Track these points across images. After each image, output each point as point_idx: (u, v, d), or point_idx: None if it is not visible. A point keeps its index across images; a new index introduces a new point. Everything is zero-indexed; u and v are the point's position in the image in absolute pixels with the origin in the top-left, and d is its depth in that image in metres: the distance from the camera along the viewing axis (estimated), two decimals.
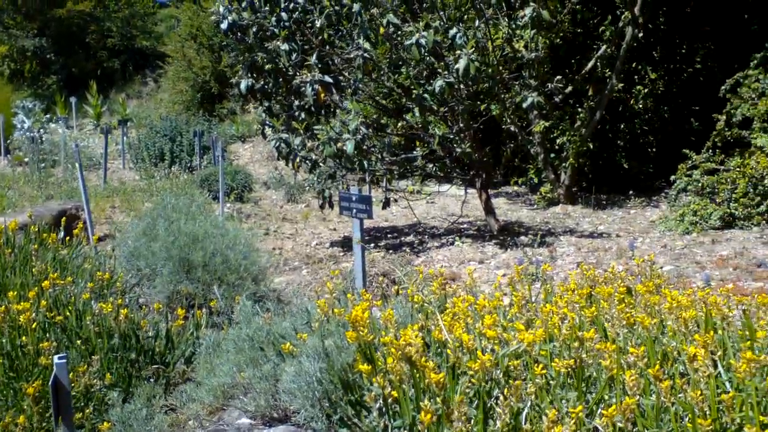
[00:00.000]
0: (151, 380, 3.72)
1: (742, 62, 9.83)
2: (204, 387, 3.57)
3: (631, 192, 11.19)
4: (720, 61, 11.48)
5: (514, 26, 7.61)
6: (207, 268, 5.12)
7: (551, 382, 2.46)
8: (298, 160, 7.03)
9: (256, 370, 3.38)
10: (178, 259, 5.12)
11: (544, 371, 2.42)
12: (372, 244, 7.93)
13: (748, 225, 8.01)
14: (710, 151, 8.82)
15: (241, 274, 5.21)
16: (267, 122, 7.34)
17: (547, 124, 10.55)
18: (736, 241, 7.40)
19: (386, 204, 8.60)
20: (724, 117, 8.93)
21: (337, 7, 6.69)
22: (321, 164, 7.33)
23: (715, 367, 2.35)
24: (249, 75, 7.27)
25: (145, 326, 3.94)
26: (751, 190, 8.17)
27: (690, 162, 8.81)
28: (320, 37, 7.07)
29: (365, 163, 6.74)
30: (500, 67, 8.97)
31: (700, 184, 8.43)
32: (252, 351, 3.50)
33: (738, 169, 8.28)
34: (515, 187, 12.76)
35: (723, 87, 9.33)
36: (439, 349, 2.79)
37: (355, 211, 4.88)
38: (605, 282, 3.51)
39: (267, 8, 6.96)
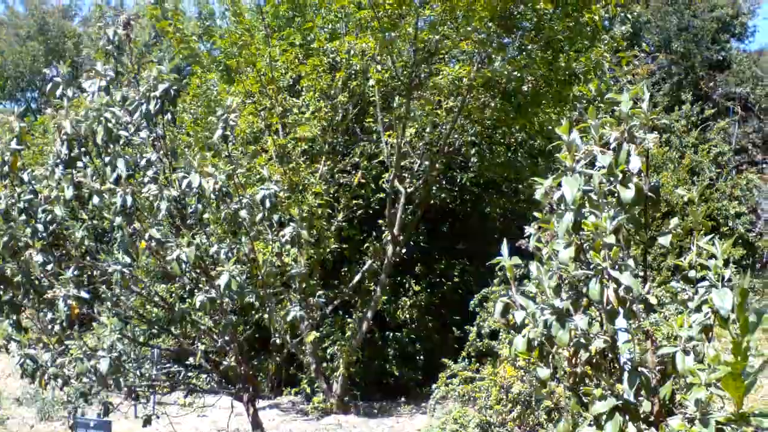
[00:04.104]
0: None
1: (492, 277, 10.87)
2: None
3: (402, 399, 11.51)
4: (475, 276, 12.62)
5: (279, 243, 7.94)
6: None
7: None
8: (46, 376, 6.58)
9: None
10: None
11: None
12: None
13: (502, 431, 8.46)
14: (466, 360, 9.43)
15: None
16: (13, 337, 6.90)
17: (318, 334, 10.79)
18: None
19: (147, 422, 8.12)
20: (475, 329, 9.69)
21: (96, 221, 6.68)
22: (73, 381, 6.90)
23: None
24: None
25: None
26: (504, 397, 8.73)
27: (449, 371, 9.33)
28: (81, 249, 6.94)
29: (122, 380, 6.47)
30: (271, 280, 9.24)
31: (456, 393, 8.88)
32: None
33: (490, 377, 8.87)
34: (292, 397, 12.65)
35: (472, 302, 10.19)
36: None
37: None
38: None
39: (23, 218, 6.78)
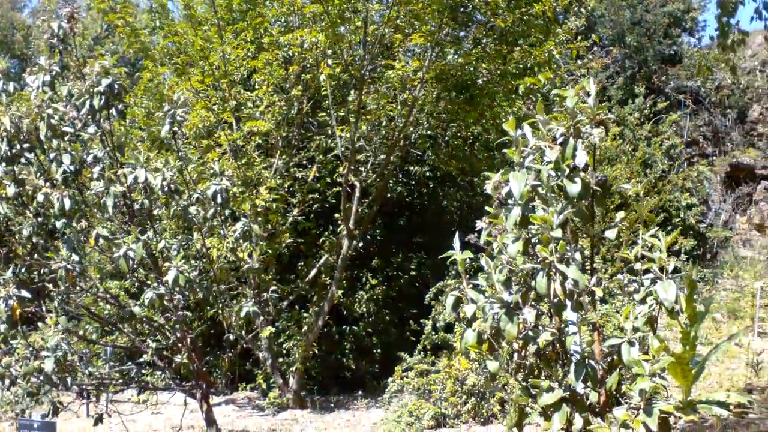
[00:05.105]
0: None
1: (449, 271, 10.93)
2: None
3: (359, 393, 11.52)
4: (432, 269, 12.67)
5: (234, 239, 7.87)
6: None
7: None
8: None
9: None
10: None
11: None
12: None
13: (457, 423, 8.53)
14: (422, 353, 9.47)
15: None
16: None
17: (273, 329, 10.72)
18: None
19: (98, 421, 7.99)
20: (431, 322, 9.74)
21: (41, 218, 6.54)
22: (21, 381, 6.76)
23: None
24: None
25: None
26: (459, 389, 8.80)
27: (405, 364, 9.37)
28: (27, 247, 6.79)
29: (69, 379, 6.35)
30: (225, 275, 9.15)
31: (411, 386, 8.92)
32: None
33: (445, 370, 8.93)
34: (248, 393, 12.56)
35: (428, 295, 10.25)
36: None
37: None
38: None
39: None
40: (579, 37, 13.02)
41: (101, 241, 6.23)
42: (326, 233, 11.81)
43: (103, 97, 6.04)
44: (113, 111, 6.22)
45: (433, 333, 9.71)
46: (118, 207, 6.35)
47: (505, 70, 10.26)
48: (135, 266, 6.14)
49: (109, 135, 6.57)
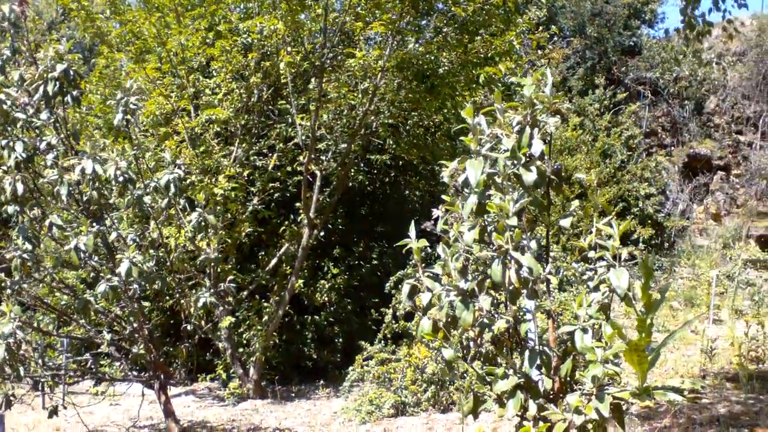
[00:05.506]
0: None
1: (410, 260, 10.95)
2: None
3: (321, 382, 11.50)
4: (393, 258, 12.68)
5: (192, 228, 7.79)
6: None
7: None
8: None
9: None
10: None
11: None
12: None
13: (417, 411, 8.57)
14: (382, 342, 9.49)
15: None
16: None
17: (233, 319, 10.64)
18: (404, 429, 7.85)
19: (53, 413, 7.87)
20: (391, 311, 9.76)
21: None
22: None
23: None
24: None
25: None
26: (419, 377, 8.83)
27: (366, 353, 9.38)
28: None
29: (22, 370, 6.23)
30: (184, 265, 9.05)
31: (372, 375, 8.94)
32: None
33: (406, 358, 8.96)
34: (208, 383, 12.46)
35: (388, 284, 10.25)
36: None
37: None
38: None
39: None
40: (540, 28, 13.13)
41: (54, 230, 6.12)
42: (287, 222, 11.74)
43: (57, 83, 5.92)
44: (68, 97, 6.09)
45: (394, 322, 9.73)
46: (72, 196, 6.24)
47: (466, 59, 10.28)
48: (88, 257, 6.02)
49: (63, 122, 6.43)
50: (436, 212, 4.16)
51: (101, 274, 6.38)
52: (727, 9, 7.31)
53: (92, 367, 8.86)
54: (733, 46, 22.98)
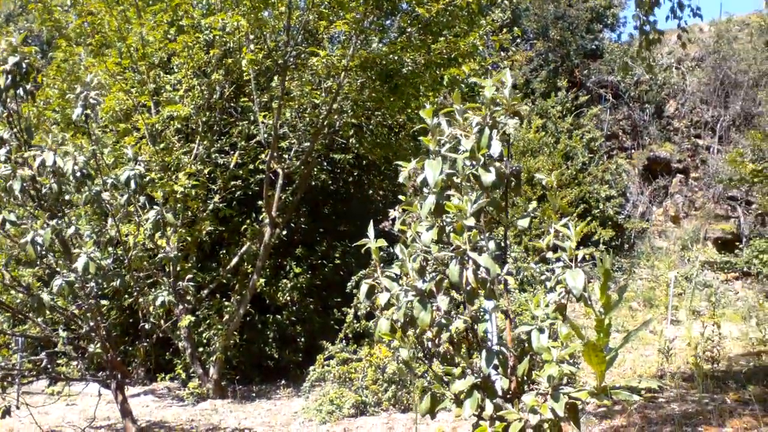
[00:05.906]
0: None
1: (371, 259, 10.93)
2: None
3: (282, 382, 11.44)
4: (356, 257, 12.67)
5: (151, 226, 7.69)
6: None
7: None
8: None
9: None
10: None
11: None
12: None
13: (377, 411, 8.57)
14: (344, 341, 9.47)
15: None
16: None
17: (193, 318, 10.53)
18: (365, 428, 7.84)
19: (5, 413, 7.72)
20: (352, 310, 9.75)
21: None
22: None
23: None
24: None
25: None
26: (380, 377, 8.83)
27: (327, 352, 9.35)
28: None
29: None
30: (143, 263, 8.92)
31: (333, 374, 8.92)
32: None
33: (367, 358, 8.95)
34: (168, 383, 12.32)
35: (349, 284, 10.24)
36: None
37: None
38: None
39: None
40: (504, 30, 13.21)
41: (8, 225, 5.99)
42: (249, 221, 11.65)
43: (9, 76, 5.79)
44: (20, 91, 5.96)
45: (355, 321, 9.72)
46: (26, 191, 6.11)
47: (429, 60, 10.31)
48: (44, 252, 5.90)
49: (16, 116, 6.29)
50: (393, 212, 4.16)
51: (58, 271, 6.25)
52: (683, 18, 7.47)
53: (48, 366, 8.69)
54: (692, 52, 23.42)
